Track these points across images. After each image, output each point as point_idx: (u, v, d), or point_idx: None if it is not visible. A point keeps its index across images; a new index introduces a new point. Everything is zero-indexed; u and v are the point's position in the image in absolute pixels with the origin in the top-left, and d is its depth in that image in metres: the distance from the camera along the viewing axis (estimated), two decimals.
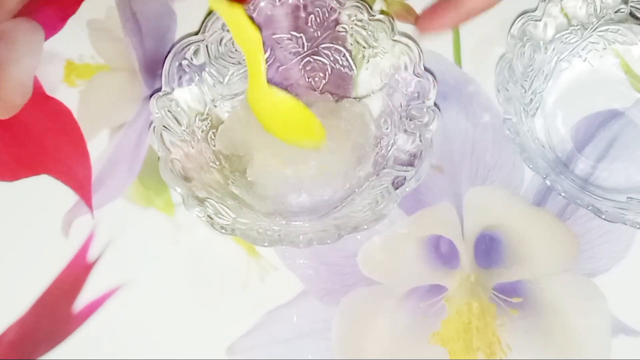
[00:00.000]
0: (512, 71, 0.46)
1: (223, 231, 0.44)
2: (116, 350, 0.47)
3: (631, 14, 0.47)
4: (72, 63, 0.51)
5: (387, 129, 0.47)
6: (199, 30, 0.49)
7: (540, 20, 0.47)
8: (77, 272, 0.48)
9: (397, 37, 0.46)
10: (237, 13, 0.44)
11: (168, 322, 0.48)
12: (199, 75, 0.47)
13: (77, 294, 0.48)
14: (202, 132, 0.47)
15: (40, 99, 0.42)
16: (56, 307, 0.48)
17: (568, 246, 0.47)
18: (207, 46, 0.47)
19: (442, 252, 0.48)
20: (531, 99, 0.48)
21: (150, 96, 0.47)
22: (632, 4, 0.47)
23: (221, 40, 0.48)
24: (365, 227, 0.44)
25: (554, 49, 0.48)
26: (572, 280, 0.47)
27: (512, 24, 0.47)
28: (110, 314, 0.48)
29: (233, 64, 0.48)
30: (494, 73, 0.48)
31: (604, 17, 0.47)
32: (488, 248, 0.47)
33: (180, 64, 0.47)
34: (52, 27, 0.51)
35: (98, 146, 0.50)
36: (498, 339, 0.46)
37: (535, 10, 0.47)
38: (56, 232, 0.49)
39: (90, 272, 0.48)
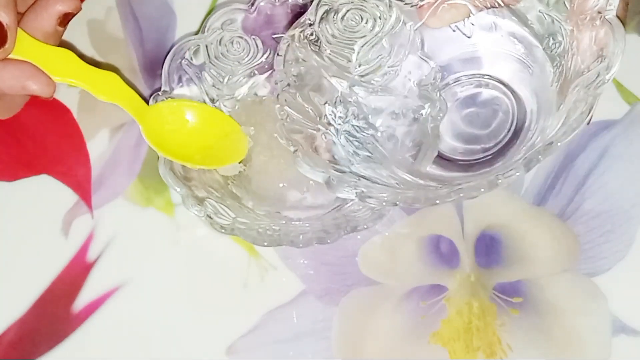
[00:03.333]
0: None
1: (223, 231, 0.44)
2: (116, 350, 0.47)
3: None
4: None
5: None
6: (199, 30, 0.49)
7: None
8: (77, 272, 0.48)
9: None
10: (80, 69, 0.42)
11: (168, 322, 0.47)
12: (198, 75, 0.47)
13: (77, 294, 0.48)
14: None
15: (40, 99, 0.42)
16: (56, 307, 0.48)
17: (568, 246, 0.47)
18: (206, 46, 0.47)
19: (442, 252, 0.47)
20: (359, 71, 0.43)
21: (150, 96, 0.47)
22: None
23: (221, 40, 0.48)
24: (365, 226, 0.44)
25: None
26: (572, 280, 0.47)
27: None
28: (110, 314, 0.48)
29: (233, 63, 0.48)
30: None
31: None
32: (488, 248, 0.47)
33: (180, 64, 0.47)
34: None
35: (98, 146, 0.50)
36: (498, 339, 0.46)
37: None
38: (56, 232, 0.49)
39: (90, 272, 0.48)
